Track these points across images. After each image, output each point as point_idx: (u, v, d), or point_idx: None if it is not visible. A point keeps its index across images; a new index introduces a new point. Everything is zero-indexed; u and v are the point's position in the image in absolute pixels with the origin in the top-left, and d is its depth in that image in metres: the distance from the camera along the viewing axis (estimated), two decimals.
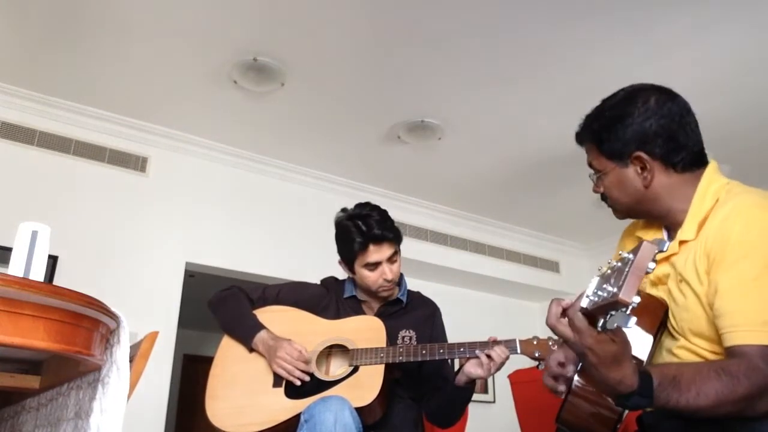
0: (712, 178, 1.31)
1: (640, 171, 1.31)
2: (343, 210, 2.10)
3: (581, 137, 1.42)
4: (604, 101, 1.39)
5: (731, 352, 1.13)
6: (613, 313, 0.94)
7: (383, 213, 2.06)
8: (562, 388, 1.34)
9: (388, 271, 2.00)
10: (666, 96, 1.32)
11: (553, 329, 1.12)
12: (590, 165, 1.41)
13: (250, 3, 2.77)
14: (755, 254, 1.16)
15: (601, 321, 0.97)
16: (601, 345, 1.04)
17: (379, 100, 3.50)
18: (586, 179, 1.45)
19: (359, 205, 2.10)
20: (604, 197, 1.42)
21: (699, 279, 1.22)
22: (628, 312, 0.92)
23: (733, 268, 1.16)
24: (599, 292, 0.97)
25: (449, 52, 3.07)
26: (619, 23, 2.85)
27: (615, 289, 0.91)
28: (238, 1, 2.76)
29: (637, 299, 0.89)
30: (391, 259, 2.01)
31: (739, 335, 1.12)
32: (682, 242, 1.28)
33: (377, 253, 1.98)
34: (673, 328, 1.28)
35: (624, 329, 1.02)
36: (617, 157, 1.33)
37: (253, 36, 3.00)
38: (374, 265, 2.00)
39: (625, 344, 1.06)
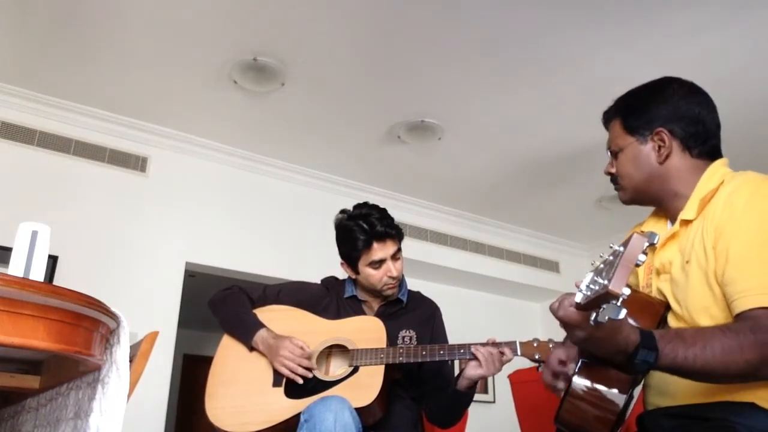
0: (719, 167, 1.35)
1: (657, 148, 1.36)
2: (342, 212, 2.11)
3: (609, 114, 1.48)
4: (638, 86, 1.45)
5: (740, 318, 1.13)
6: (604, 306, 0.95)
7: (383, 211, 2.07)
8: (561, 385, 1.34)
9: (392, 268, 2.02)
10: (698, 88, 1.40)
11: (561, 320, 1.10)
12: (609, 147, 1.46)
13: (250, 3, 2.76)
14: (763, 222, 1.18)
15: (594, 315, 0.98)
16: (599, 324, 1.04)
17: (379, 100, 3.50)
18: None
19: (358, 206, 2.11)
20: (614, 179, 1.46)
21: (706, 255, 1.23)
22: (618, 303, 0.93)
23: (743, 236, 1.18)
24: (592, 286, 0.98)
25: (449, 52, 3.07)
26: (619, 23, 2.84)
27: (606, 282, 0.92)
28: (238, 1, 2.76)
29: (627, 291, 0.90)
30: (394, 257, 2.03)
31: (748, 299, 1.13)
32: (683, 222, 1.31)
33: (381, 250, 1.99)
34: (676, 313, 1.29)
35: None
36: (639, 132, 1.38)
37: (253, 36, 3.00)
38: (379, 263, 2.01)
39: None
